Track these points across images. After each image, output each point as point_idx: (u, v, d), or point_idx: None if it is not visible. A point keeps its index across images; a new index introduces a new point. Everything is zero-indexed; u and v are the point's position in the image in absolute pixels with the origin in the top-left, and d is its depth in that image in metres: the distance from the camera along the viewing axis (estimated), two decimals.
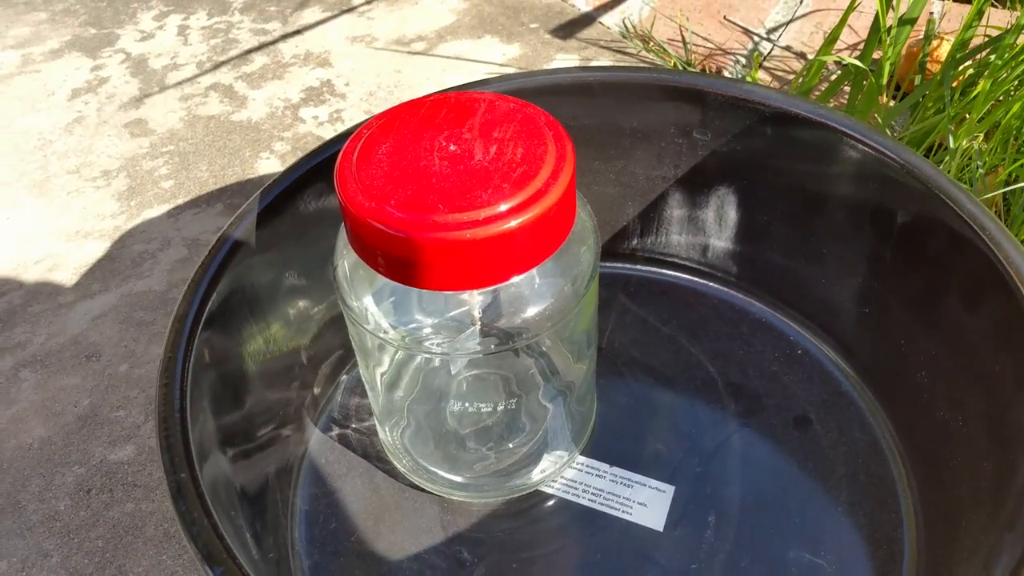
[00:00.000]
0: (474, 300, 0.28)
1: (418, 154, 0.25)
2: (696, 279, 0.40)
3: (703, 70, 0.56)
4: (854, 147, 0.32)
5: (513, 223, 0.24)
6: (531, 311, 0.27)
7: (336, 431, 0.36)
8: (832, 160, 0.33)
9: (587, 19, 0.60)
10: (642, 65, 0.54)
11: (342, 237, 0.28)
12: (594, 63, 0.56)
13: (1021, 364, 0.26)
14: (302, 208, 0.32)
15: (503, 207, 0.24)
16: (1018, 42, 0.45)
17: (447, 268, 0.24)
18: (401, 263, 0.25)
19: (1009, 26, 0.45)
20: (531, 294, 0.28)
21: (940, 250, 0.30)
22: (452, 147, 0.25)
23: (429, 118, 0.26)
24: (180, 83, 0.57)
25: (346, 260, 0.28)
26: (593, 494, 0.33)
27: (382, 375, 0.33)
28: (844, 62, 0.50)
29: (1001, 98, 0.48)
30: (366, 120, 0.27)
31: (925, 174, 0.30)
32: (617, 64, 0.55)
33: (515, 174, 0.25)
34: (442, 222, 0.23)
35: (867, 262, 0.34)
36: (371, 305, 0.29)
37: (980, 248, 0.28)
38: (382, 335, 0.29)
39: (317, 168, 0.32)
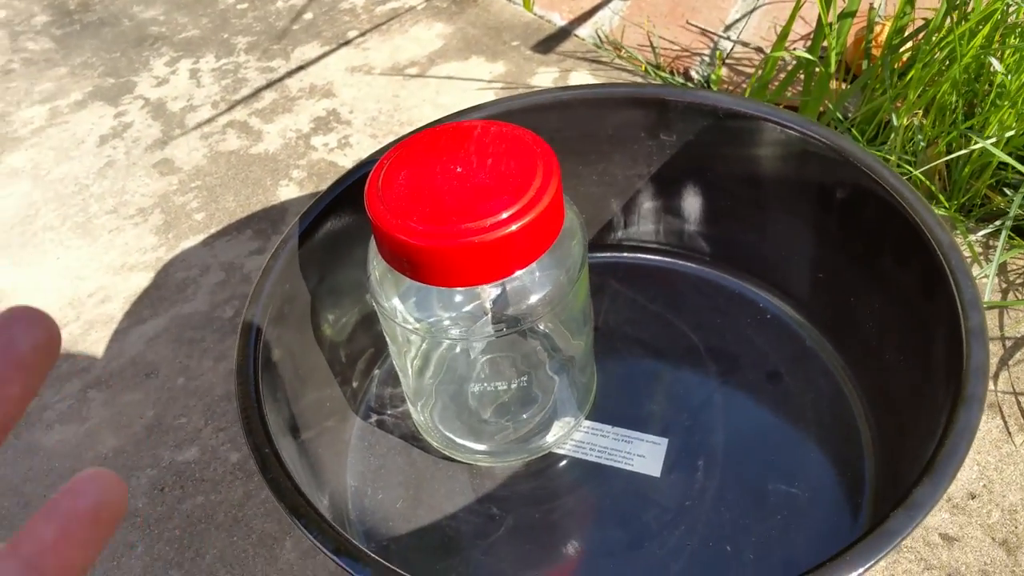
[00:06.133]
0: (485, 293, 0.34)
1: (430, 176, 0.31)
2: (676, 260, 0.46)
3: (671, 72, 0.62)
4: (793, 136, 0.38)
5: (514, 227, 0.29)
6: (533, 298, 0.33)
7: (375, 418, 0.41)
8: (777, 148, 0.39)
9: (563, 33, 0.66)
10: (611, 81, 0.60)
11: (372, 248, 0.34)
12: (573, 74, 0.62)
13: (941, 308, 0.32)
14: (334, 228, 0.38)
15: (504, 215, 0.29)
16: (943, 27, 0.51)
17: (462, 268, 0.30)
18: (424, 267, 0.30)
19: (935, 14, 0.51)
20: (532, 284, 0.33)
21: (872, 218, 0.36)
22: (458, 168, 0.31)
23: (435, 145, 0.32)
24: (199, 123, 0.63)
25: (377, 268, 0.34)
26: (599, 451, 0.39)
27: (412, 361, 0.38)
28: (795, 56, 0.56)
29: (935, 78, 0.53)
30: (382, 150, 0.33)
31: (855, 155, 0.36)
32: (587, 84, 0.60)
33: (511, 186, 0.30)
34: (456, 231, 0.29)
35: (816, 233, 0.40)
36: (398, 304, 0.34)
37: (901, 214, 0.34)
38: (409, 327, 0.34)
39: (344, 194, 0.37)
